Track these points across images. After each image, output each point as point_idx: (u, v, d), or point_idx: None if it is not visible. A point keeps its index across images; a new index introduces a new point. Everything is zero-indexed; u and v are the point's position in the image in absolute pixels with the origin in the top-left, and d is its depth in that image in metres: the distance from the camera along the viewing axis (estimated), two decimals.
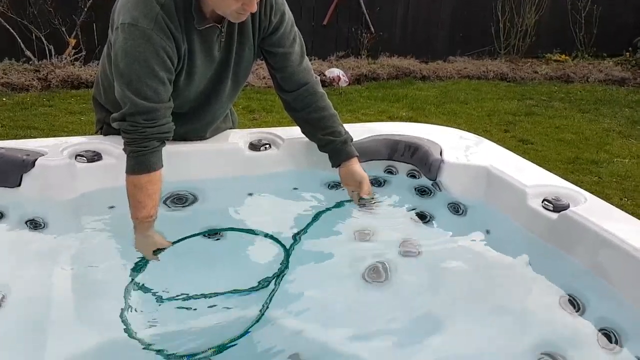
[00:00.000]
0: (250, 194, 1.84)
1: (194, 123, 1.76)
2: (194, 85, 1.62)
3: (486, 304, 1.38)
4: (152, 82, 1.45)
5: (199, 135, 1.83)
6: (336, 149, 1.76)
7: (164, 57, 1.45)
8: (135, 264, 1.44)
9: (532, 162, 1.84)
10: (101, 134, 1.83)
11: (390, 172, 1.95)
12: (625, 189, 3.75)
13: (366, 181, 1.71)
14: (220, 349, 1.20)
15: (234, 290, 1.37)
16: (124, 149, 1.51)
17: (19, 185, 1.63)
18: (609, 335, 1.21)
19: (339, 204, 1.78)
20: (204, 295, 1.34)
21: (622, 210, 1.49)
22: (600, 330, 1.23)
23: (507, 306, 1.38)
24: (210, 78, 1.66)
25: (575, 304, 1.31)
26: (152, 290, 1.37)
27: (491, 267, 1.53)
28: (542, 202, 1.55)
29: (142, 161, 1.48)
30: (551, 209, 1.51)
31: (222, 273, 1.49)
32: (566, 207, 1.49)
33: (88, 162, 1.69)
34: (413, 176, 1.92)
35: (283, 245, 1.54)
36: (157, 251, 1.47)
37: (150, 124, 1.47)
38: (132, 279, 1.39)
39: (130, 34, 1.42)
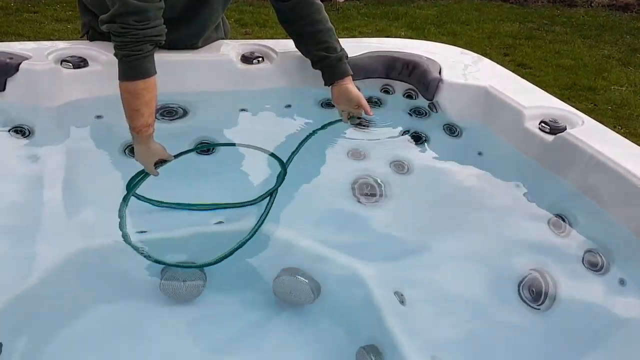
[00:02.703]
0: (244, 110, 1.80)
1: (185, 29, 1.68)
2: None
3: (474, 224, 1.39)
4: None
5: (190, 42, 1.75)
6: (330, 66, 1.69)
7: None
8: (133, 176, 1.41)
9: None
10: (87, 39, 1.76)
11: (387, 92, 1.90)
12: (620, 117, 3.74)
13: (363, 101, 1.66)
14: (217, 261, 1.21)
15: (232, 203, 1.36)
16: (115, 54, 1.42)
17: (3, 89, 1.57)
18: (595, 256, 1.23)
19: (331, 123, 1.74)
20: (205, 206, 1.34)
21: None
22: (586, 251, 1.24)
23: (496, 224, 1.39)
24: None
25: (564, 224, 1.32)
26: (151, 200, 1.35)
27: (482, 188, 1.53)
28: (540, 123, 1.53)
29: (136, 66, 1.39)
30: (548, 130, 1.50)
31: (217, 186, 1.47)
32: (563, 130, 1.47)
33: (74, 68, 1.63)
34: (410, 96, 1.87)
35: (281, 162, 1.52)
36: (158, 164, 1.44)
37: (141, 26, 1.37)
38: (129, 193, 1.36)
39: None
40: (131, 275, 1.22)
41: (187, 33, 1.71)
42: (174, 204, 1.35)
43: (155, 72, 1.44)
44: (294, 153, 1.57)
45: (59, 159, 1.47)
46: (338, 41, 1.72)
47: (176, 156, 1.48)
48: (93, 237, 1.24)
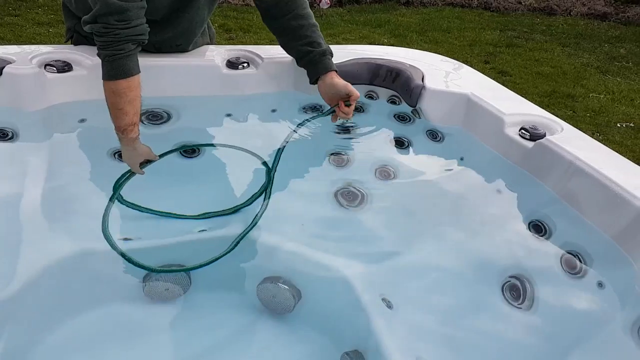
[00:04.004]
0: (229, 115, 1.80)
1: (170, 31, 1.67)
2: None
3: (456, 228, 1.41)
4: None
5: (176, 43, 1.74)
6: (314, 61, 1.67)
7: None
8: (120, 176, 1.40)
9: None
10: (72, 44, 1.75)
11: (371, 97, 1.93)
12: (599, 124, 3.81)
13: (351, 87, 1.62)
14: (202, 265, 1.22)
15: (218, 212, 1.37)
16: (98, 54, 1.42)
17: None
18: (574, 260, 1.25)
19: (311, 119, 1.71)
20: (192, 217, 1.34)
21: None
22: (564, 254, 1.27)
23: (476, 230, 1.41)
24: None
25: (543, 228, 1.35)
26: (137, 206, 1.35)
27: (464, 192, 1.55)
28: (520, 130, 1.56)
29: (118, 66, 1.40)
30: (528, 137, 1.53)
31: (201, 191, 1.48)
32: (542, 136, 1.50)
33: (58, 72, 1.63)
34: (393, 102, 1.90)
35: (267, 167, 1.52)
36: (144, 164, 1.44)
37: (123, 25, 1.38)
38: (115, 192, 1.36)
39: None
40: (115, 280, 1.21)
41: (173, 35, 1.71)
42: (160, 212, 1.35)
43: (139, 72, 1.44)
44: (277, 155, 1.56)
45: (43, 162, 1.46)
46: (322, 37, 1.71)
47: (161, 156, 1.48)
48: (76, 242, 1.23)
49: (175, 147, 1.54)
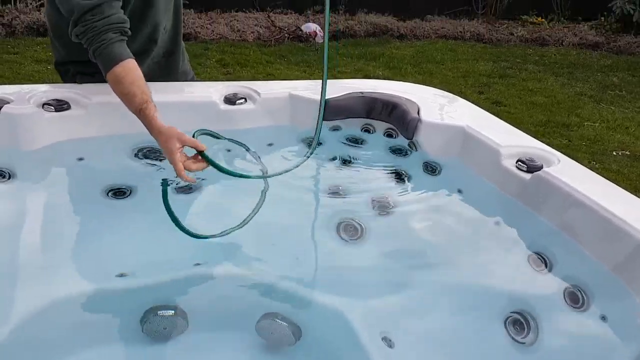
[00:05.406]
0: (229, 150, 1.80)
1: (132, 44, 1.68)
2: None
3: (456, 262, 1.41)
4: None
5: (149, 48, 1.81)
6: None
7: None
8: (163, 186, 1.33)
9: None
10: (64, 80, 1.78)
11: (368, 131, 1.94)
12: (594, 153, 3.83)
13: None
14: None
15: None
16: (90, 56, 1.51)
17: None
18: (576, 293, 1.24)
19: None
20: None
21: None
22: (567, 288, 1.26)
23: (476, 264, 1.40)
24: None
25: (543, 261, 1.34)
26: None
27: (463, 226, 1.55)
28: (516, 162, 1.56)
29: (106, 54, 1.48)
30: (525, 169, 1.53)
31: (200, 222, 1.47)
32: (539, 168, 1.51)
33: (56, 111, 1.64)
34: (390, 135, 1.91)
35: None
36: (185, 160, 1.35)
37: (97, 18, 1.48)
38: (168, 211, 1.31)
39: None
40: (111, 322, 1.20)
41: (144, 39, 1.77)
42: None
43: (130, 56, 1.51)
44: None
45: (39, 202, 1.46)
46: None
47: (194, 135, 1.41)
48: (72, 283, 1.22)
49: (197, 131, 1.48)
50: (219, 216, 1.51)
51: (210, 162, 1.36)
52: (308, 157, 1.68)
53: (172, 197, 1.51)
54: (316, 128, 1.76)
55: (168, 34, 1.89)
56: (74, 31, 1.51)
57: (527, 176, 1.51)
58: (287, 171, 1.61)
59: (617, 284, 1.23)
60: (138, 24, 1.73)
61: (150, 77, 1.73)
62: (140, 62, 1.69)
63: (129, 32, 1.54)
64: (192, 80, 2.07)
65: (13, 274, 1.22)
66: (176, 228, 1.31)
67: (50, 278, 1.24)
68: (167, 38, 1.89)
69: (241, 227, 1.38)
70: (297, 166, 1.64)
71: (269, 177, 1.60)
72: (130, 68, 1.48)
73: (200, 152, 1.35)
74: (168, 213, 1.28)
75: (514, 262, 1.37)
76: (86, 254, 1.30)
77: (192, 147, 1.37)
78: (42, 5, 5.39)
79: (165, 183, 1.31)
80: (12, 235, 1.33)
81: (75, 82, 1.78)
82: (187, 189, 1.56)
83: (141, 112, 1.44)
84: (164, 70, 1.92)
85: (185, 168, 1.34)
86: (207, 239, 1.32)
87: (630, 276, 1.21)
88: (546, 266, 1.33)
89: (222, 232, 1.35)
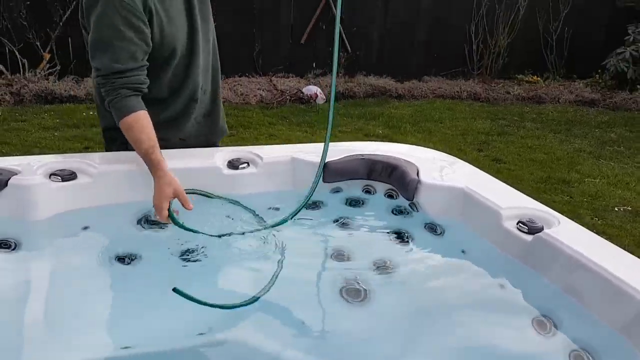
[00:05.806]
0: (228, 216, 1.82)
1: (175, 103, 1.90)
2: (168, 39, 1.78)
3: (461, 326, 1.39)
4: (122, 44, 1.65)
5: (179, 127, 1.96)
6: None
7: (130, 18, 1.64)
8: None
9: (505, 181, 1.88)
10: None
11: (368, 192, 1.96)
12: (596, 209, 3.84)
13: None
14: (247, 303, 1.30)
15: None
16: (105, 104, 1.70)
17: None
18: (582, 356, 1.23)
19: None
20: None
21: (593, 229, 1.53)
22: (573, 350, 1.24)
23: (480, 326, 1.39)
24: (184, 40, 1.82)
25: (548, 324, 1.33)
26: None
27: (466, 288, 1.55)
28: (517, 223, 1.57)
29: (120, 107, 1.66)
30: (526, 230, 1.54)
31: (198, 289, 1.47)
32: (540, 230, 1.52)
33: (63, 181, 1.67)
34: (391, 196, 1.93)
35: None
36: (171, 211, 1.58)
37: (117, 76, 1.67)
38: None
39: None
40: None
41: (177, 109, 1.93)
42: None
43: (142, 109, 1.68)
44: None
45: (44, 272, 1.47)
46: None
47: (188, 193, 1.64)
48: (78, 354, 1.22)
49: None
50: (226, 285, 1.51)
51: (174, 222, 1.60)
52: (292, 217, 1.72)
53: (178, 266, 1.53)
54: (315, 177, 1.81)
55: (207, 94, 2.02)
56: (96, 80, 1.70)
57: (529, 237, 1.52)
58: (277, 224, 1.69)
59: (623, 346, 1.21)
60: (181, 84, 1.90)
61: (194, 135, 2.01)
62: (184, 121, 1.95)
63: (145, 91, 1.71)
64: (224, 134, 2.22)
65: (18, 344, 1.21)
66: (179, 297, 1.31)
67: (55, 351, 1.23)
68: (206, 99, 2.02)
69: (254, 301, 1.38)
70: (286, 221, 1.70)
71: (223, 236, 1.64)
72: (140, 118, 1.66)
73: (170, 214, 1.59)
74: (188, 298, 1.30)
75: (519, 325, 1.36)
76: (91, 325, 1.29)
77: (182, 202, 1.61)
78: (50, 74, 5.56)
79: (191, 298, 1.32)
80: (17, 306, 1.33)
81: (119, 149, 1.89)
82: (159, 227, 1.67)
83: (147, 155, 1.63)
84: (204, 129, 2.06)
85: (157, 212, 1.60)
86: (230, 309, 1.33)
87: (637, 338, 1.20)
88: (552, 328, 1.32)
89: (241, 303, 1.35)
